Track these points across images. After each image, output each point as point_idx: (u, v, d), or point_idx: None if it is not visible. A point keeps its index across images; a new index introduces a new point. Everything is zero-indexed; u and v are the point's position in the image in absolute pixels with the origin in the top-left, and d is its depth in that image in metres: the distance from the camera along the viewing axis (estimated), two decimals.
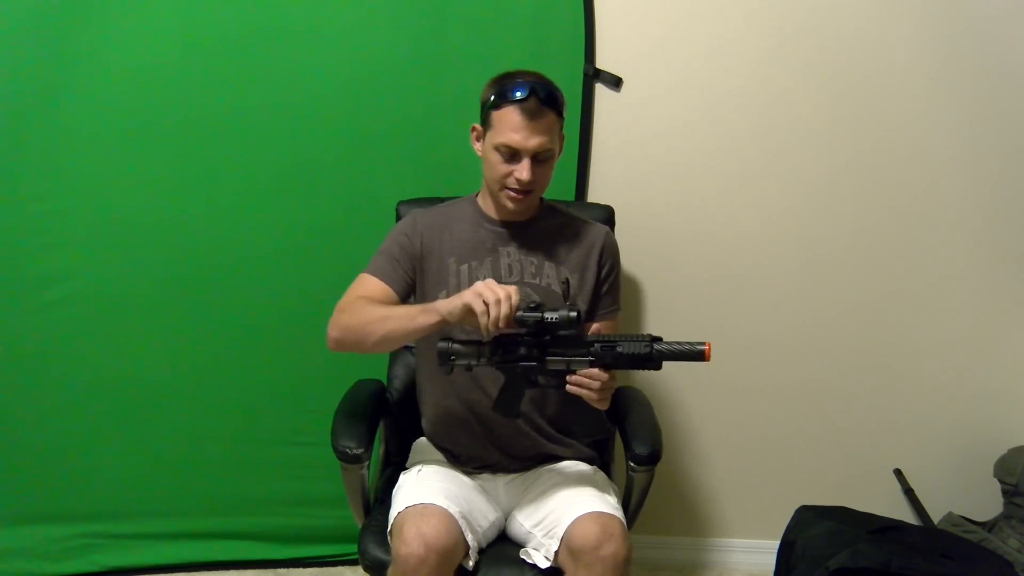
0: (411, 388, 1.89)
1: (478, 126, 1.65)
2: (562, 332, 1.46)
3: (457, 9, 2.06)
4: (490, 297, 1.39)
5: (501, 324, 1.39)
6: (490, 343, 1.50)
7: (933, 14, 2.07)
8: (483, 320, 1.39)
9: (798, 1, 2.08)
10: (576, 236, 1.73)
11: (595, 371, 1.43)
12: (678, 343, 1.38)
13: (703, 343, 1.36)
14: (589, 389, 1.44)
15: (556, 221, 1.75)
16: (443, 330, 1.58)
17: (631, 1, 2.09)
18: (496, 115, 1.58)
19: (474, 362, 1.50)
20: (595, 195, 2.14)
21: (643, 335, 1.41)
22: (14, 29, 1.98)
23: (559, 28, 2.08)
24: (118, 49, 2.01)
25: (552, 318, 1.43)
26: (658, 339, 1.41)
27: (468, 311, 1.41)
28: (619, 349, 1.41)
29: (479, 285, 1.41)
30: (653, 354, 1.39)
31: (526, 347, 1.49)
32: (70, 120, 2.03)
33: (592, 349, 1.44)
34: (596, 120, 2.12)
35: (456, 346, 1.51)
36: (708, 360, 1.36)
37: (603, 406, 1.48)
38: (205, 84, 2.04)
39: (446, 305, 1.46)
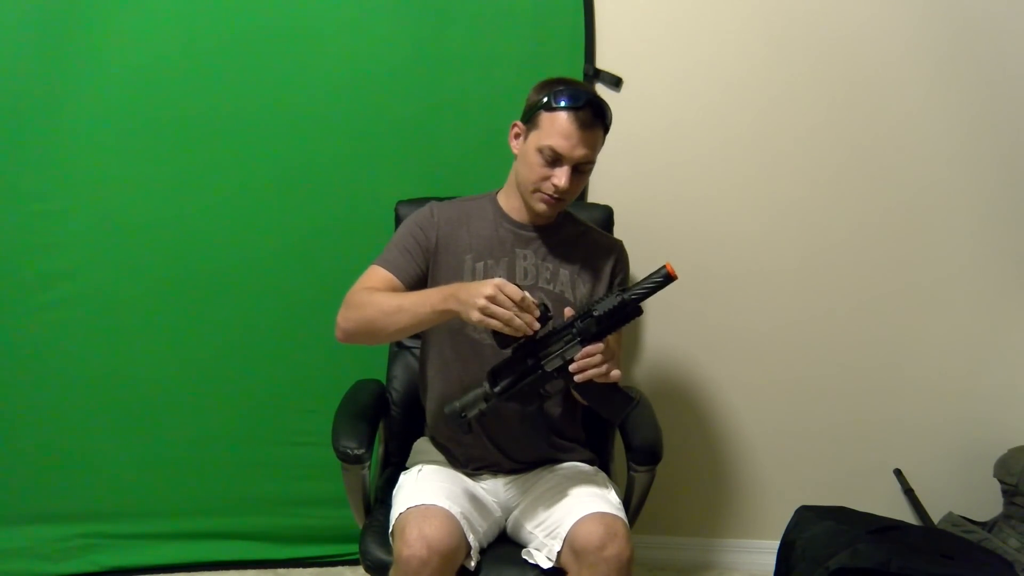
0: (411, 388, 1.89)
1: (520, 124, 1.63)
2: (542, 331, 1.45)
3: (457, 9, 2.06)
4: (500, 314, 1.38)
5: (530, 329, 1.40)
6: (488, 380, 1.50)
7: (933, 14, 2.08)
8: (507, 331, 1.40)
9: (798, 1, 2.08)
10: (593, 246, 1.74)
11: (588, 348, 1.44)
12: (645, 279, 1.42)
13: (662, 266, 1.41)
14: (595, 367, 1.44)
15: (575, 229, 1.75)
16: (447, 398, 1.58)
17: (631, 1, 2.09)
18: (547, 117, 1.56)
19: (484, 406, 1.50)
20: (595, 195, 2.14)
21: (611, 291, 1.47)
22: (14, 29, 1.98)
23: (559, 28, 2.08)
24: (118, 49, 2.00)
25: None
26: (626, 288, 1.45)
27: (477, 324, 1.41)
28: (596, 313, 1.43)
29: (480, 301, 1.39)
30: (627, 301, 1.42)
31: (519, 364, 1.49)
32: (70, 120, 2.02)
33: (574, 329, 1.45)
34: None
35: (460, 403, 1.51)
36: (675, 276, 1.40)
37: (617, 375, 1.47)
38: (205, 84, 2.04)
39: (456, 306, 1.44)
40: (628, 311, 1.43)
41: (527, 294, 1.40)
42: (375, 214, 2.03)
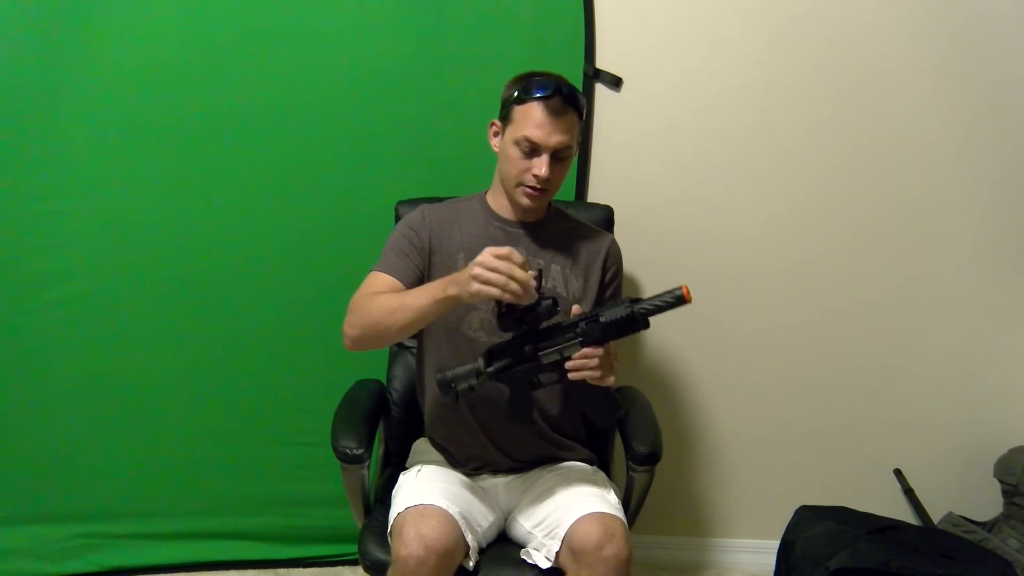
0: (411, 388, 1.89)
1: (497, 122, 1.65)
2: (545, 324, 1.45)
3: (457, 9, 2.06)
4: (494, 279, 1.34)
5: (525, 295, 1.36)
6: (483, 357, 1.50)
7: (933, 14, 2.07)
8: (506, 298, 1.36)
9: (798, 1, 2.08)
10: (583, 241, 1.74)
11: (588, 350, 1.43)
12: (657, 296, 1.39)
13: (679, 288, 1.37)
14: (590, 369, 1.43)
15: (565, 225, 1.76)
16: (438, 364, 1.59)
17: (631, 1, 2.09)
18: (519, 110, 1.58)
19: (474, 381, 1.51)
20: (595, 195, 2.14)
21: (622, 299, 1.43)
22: (14, 29, 1.98)
23: (559, 28, 2.08)
24: (118, 49, 2.01)
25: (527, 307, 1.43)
26: (637, 300, 1.41)
27: (476, 296, 1.38)
28: (602, 319, 1.42)
29: (473, 270, 1.36)
30: (636, 314, 1.40)
31: (517, 350, 1.49)
32: (70, 120, 2.03)
33: (578, 329, 1.44)
34: (596, 120, 2.12)
35: (453, 372, 1.52)
36: (690, 301, 1.37)
37: (611, 381, 1.47)
38: (205, 84, 2.04)
39: (455, 289, 1.42)
40: (633, 325, 1.42)
41: (515, 251, 1.36)
42: (375, 214, 2.03)
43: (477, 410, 1.67)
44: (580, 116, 1.62)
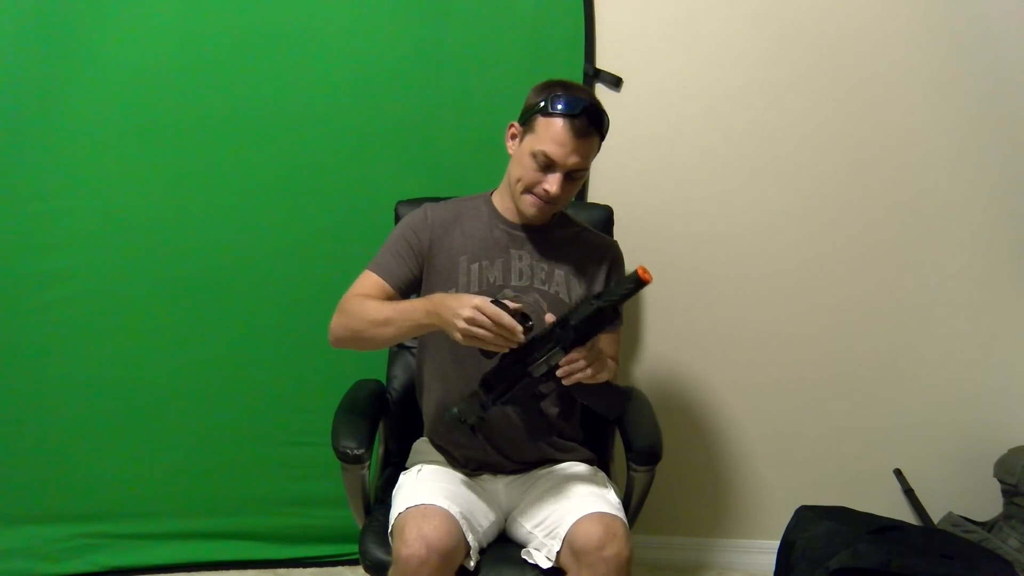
0: (411, 388, 1.88)
1: (516, 125, 1.63)
2: (525, 339, 1.45)
3: (457, 9, 2.06)
4: (481, 335, 1.40)
5: (513, 345, 1.42)
6: (482, 387, 1.52)
7: (933, 15, 2.08)
8: (491, 348, 1.43)
9: (798, 1, 2.08)
10: (587, 247, 1.74)
11: (572, 353, 1.44)
12: (618, 285, 1.40)
13: (635, 271, 1.37)
14: (580, 370, 1.45)
15: (570, 230, 1.75)
16: (445, 400, 1.61)
17: (631, 1, 2.09)
18: (543, 121, 1.55)
19: (481, 412, 1.52)
20: (595, 195, 2.14)
21: (585, 297, 1.44)
22: (14, 29, 1.98)
23: (559, 28, 2.08)
24: (118, 49, 2.01)
25: None
26: (601, 294, 1.42)
27: (462, 342, 1.43)
28: (572, 322, 1.43)
29: (460, 324, 1.40)
30: (602, 309, 1.40)
31: (508, 371, 1.50)
32: (70, 120, 2.02)
33: (554, 336, 1.45)
34: None
35: (459, 409, 1.53)
36: (650, 280, 1.36)
37: (607, 375, 1.48)
38: (205, 84, 2.04)
39: (439, 322, 1.46)
40: (604, 318, 1.42)
41: (505, 315, 1.40)
42: (375, 214, 2.02)
43: None
44: (602, 138, 1.61)
